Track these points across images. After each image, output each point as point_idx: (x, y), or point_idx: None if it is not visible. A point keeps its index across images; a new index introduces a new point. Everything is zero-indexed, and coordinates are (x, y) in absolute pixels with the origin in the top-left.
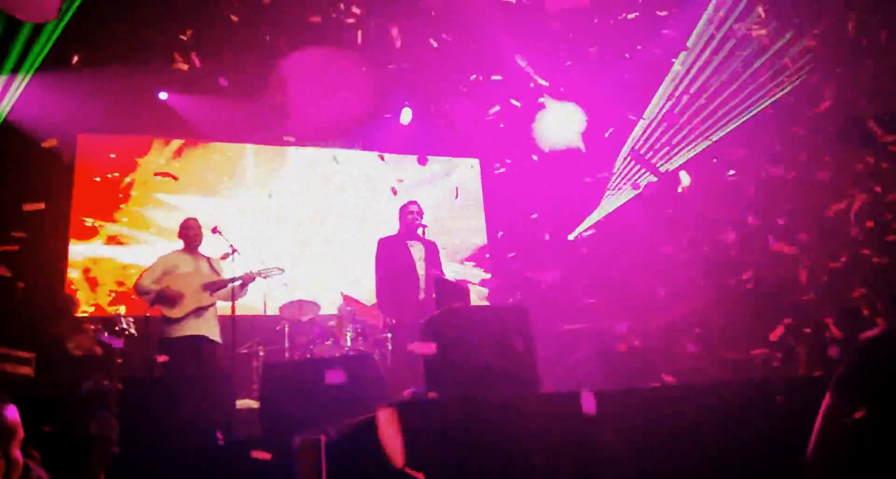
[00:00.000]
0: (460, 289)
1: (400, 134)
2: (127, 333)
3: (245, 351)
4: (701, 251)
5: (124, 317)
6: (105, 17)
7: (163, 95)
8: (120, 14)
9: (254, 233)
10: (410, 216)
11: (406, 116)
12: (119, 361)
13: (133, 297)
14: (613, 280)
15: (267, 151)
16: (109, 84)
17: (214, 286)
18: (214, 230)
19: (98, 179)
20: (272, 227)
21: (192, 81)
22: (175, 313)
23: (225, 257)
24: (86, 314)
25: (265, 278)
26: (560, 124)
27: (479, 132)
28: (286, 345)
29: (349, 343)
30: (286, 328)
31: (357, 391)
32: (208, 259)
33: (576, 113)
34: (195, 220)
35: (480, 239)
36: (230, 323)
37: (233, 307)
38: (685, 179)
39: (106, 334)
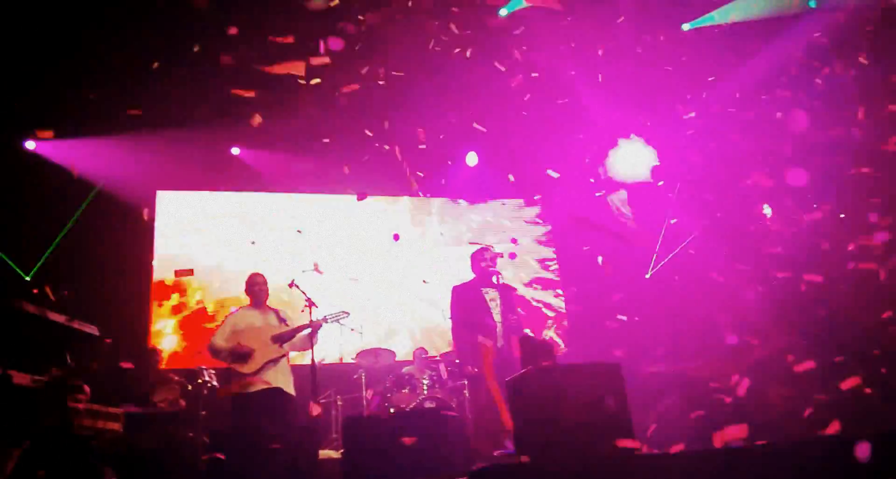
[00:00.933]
0: (547, 347)
1: (465, 178)
2: (209, 385)
3: (324, 401)
4: (781, 291)
5: (206, 369)
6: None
7: (235, 151)
8: (191, 76)
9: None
10: (485, 263)
11: (472, 159)
12: (203, 413)
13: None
14: (694, 321)
15: (337, 201)
16: (184, 142)
17: (283, 338)
18: (291, 285)
19: (179, 236)
20: (346, 274)
21: (262, 136)
22: (248, 368)
23: (303, 310)
24: (170, 368)
25: (332, 322)
26: (632, 160)
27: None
28: (364, 393)
29: (426, 391)
30: (363, 377)
31: (439, 448)
32: (276, 311)
33: (646, 150)
34: (261, 275)
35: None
36: (309, 372)
37: (312, 357)
38: (768, 211)
39: (189, 386)
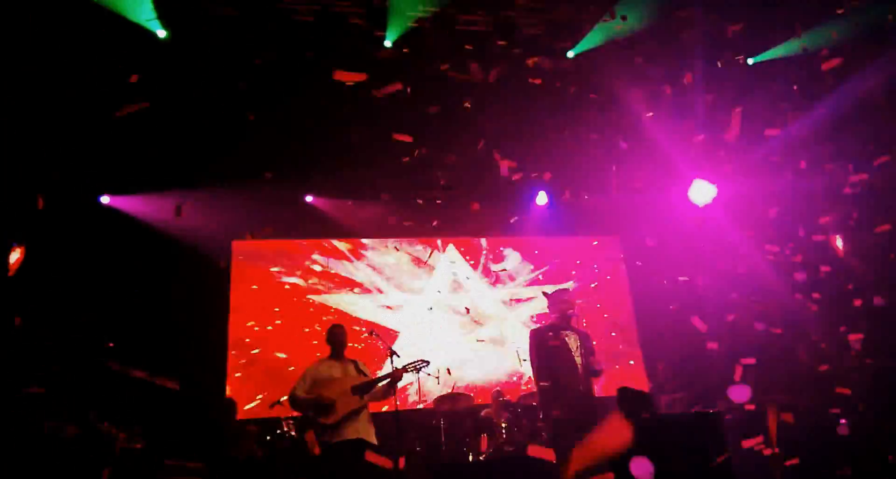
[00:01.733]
0: (645, 398)
1: (537, 217)
2: (288, 435)
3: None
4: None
5: (284, 419)
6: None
7: (309, 199)
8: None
9: (404, 327)
10: (564, 305)
11: (542, 198)
12: (283, 464)
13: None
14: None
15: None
16: (258, 193)
17: (364, 389)
18: (371, 334)
19: (255, 286)
20: (423, 320)
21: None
22: (329, 419)
23: (383, 360)
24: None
25: (412, 372)
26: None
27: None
28: (443, 439)
29: (504, 435)
30: (441, 422)
31: None
32: (355, 363)
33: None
34: (341, 326)
35: (626, 316)
36: (392, 421)
37: (396, 406)
38: (839, 243)
39: (268, 438)
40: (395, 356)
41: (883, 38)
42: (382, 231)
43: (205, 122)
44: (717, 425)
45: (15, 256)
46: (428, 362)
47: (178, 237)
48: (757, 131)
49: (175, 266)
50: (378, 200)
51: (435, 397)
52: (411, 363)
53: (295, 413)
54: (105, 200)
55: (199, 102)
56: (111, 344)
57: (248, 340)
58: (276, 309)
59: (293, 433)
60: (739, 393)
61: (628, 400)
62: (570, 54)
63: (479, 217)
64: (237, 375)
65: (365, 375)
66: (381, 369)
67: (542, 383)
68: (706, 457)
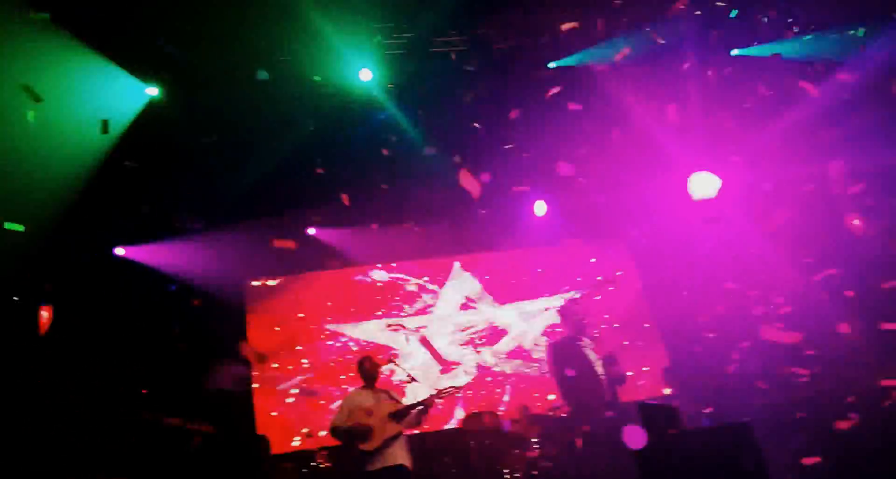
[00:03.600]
0: (670, 412)
1: (537, 226)
2: (322, 467)
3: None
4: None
5: (318, 451)
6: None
7: (311, 231)
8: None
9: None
10: (577, 317)
11: (540, 208)
12: None
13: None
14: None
15: (430, 265)
16: (263, 232)
17: (400, 415)
18: (391, 361)
19: (277, 328)
20: (443, 339)
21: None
22: (368, 446)
23: (405, 384)
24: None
25: (446, 397)
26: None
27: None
28: (475, 458)
29: (538, 450)
30: (471, 443)
31: None
32: (387, 392)
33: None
34: (369, 358)
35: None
36: (419, 442)
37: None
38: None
39: (304, 470)
40: (414, 382)
41: None
42: (386, 256)
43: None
44: (748, 435)
45: (44, 315)
46: (459, 389)
47: (193, 282)
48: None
49: (193, 312)
50: (369, 227)
51: (460, 417)
52: (444, 390)
53: (328, 443)
54: (119, 252)
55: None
56: (144, 391)
57: (275, 374)
58: (297, 348)
59: (327, 464)
60: (634, 437)
61: (651, 417)
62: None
63: (480, 234)
64: (273, 413)
65: (398, 402)
66: (404, 396)
67: (568, 396)
68: (741, 468)
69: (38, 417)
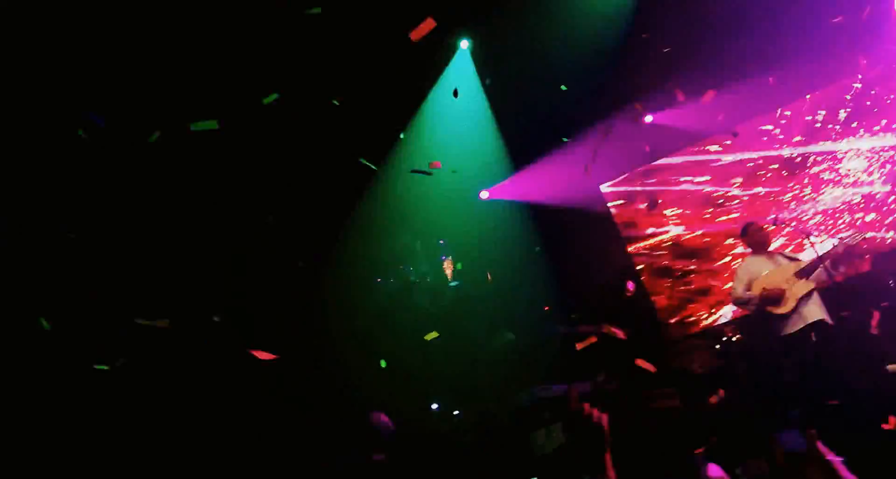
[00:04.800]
0: None
1: None
2: (734, 340)
3: None
4: None
5: (725, 325)
6: None
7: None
8: None
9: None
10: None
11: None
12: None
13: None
14: None
15: None
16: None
17: (807, 270)
18: (776, 222)
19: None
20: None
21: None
22: (783, 309)
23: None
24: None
25: (853, 243)
26: None
27: None
28: None
29: None
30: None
31: None
32: (780, 253)
33: None
34: (752, 223)
35: None
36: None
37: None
38: None
39: (716, 346)
40: (811, 236)
41: None
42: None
43: None
44: None
45: None
46: (864, 232)
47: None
48: None
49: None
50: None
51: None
52: (848, 236)
53: (735, 315)
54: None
55: None
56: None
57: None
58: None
59: (739, 336)
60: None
61: None
62: None
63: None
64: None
65: (797, 259)
66: (801, 251)
67: None
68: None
69: None
